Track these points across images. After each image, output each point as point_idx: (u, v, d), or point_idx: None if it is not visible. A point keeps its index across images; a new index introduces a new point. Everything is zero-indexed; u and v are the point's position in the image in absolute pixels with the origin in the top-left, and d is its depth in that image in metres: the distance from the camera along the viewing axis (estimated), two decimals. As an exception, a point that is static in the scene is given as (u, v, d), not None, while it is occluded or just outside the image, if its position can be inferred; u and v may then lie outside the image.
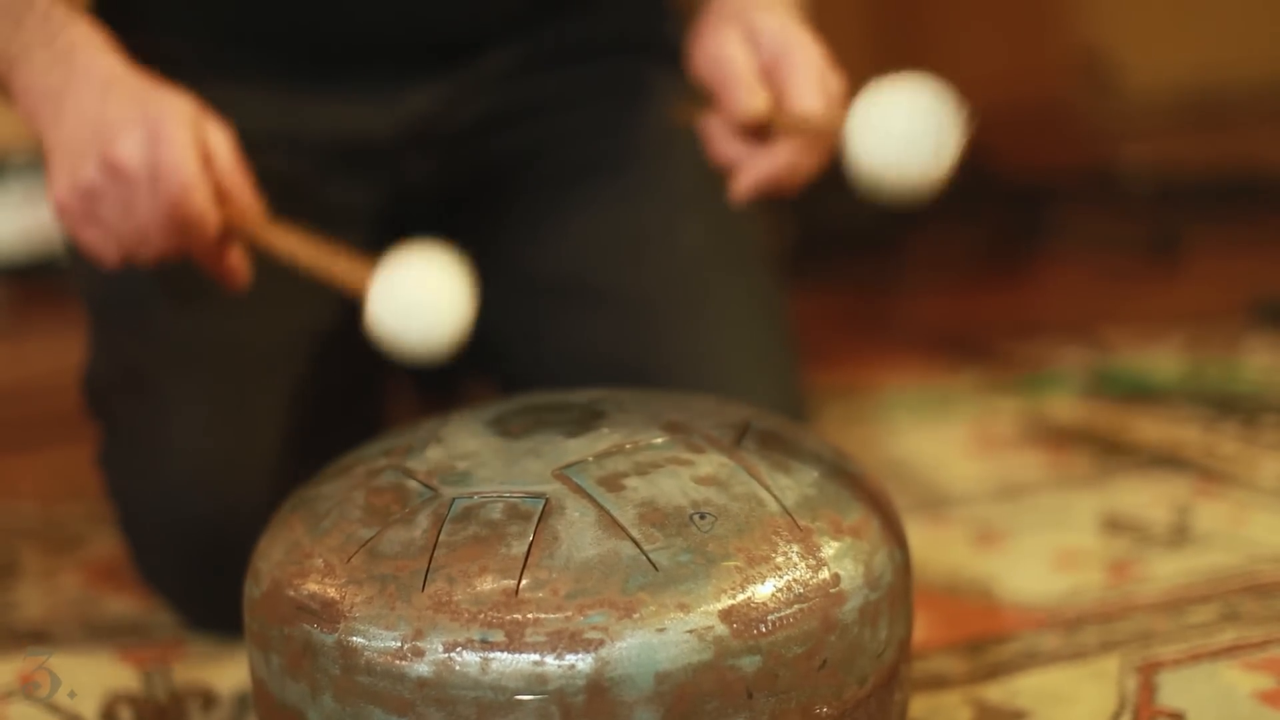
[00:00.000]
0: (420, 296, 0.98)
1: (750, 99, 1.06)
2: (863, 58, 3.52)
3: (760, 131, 1.07)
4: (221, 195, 1.05)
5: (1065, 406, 1.74)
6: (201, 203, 1.02)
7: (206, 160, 1.04)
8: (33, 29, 1.09)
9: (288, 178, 1.20)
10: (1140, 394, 1.76)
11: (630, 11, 1.38)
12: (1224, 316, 2.04)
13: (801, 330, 1.34)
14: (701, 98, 1.11)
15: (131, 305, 1.24)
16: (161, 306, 1.22)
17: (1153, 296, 2.25)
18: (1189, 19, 3.41)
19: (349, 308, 1.26)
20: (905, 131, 0.90)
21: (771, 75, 1.07)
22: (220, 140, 1.05)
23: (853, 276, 2.33)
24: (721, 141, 1.09)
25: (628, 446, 0.93)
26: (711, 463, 0.92)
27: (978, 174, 2.77)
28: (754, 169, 1.08)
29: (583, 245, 1.32)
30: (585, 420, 0.97)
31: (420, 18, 1.28)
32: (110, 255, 1.07)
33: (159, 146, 1.02)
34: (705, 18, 1.16)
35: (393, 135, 1.30)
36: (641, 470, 0.91)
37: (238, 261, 1.09)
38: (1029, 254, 2.49)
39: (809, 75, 1.05)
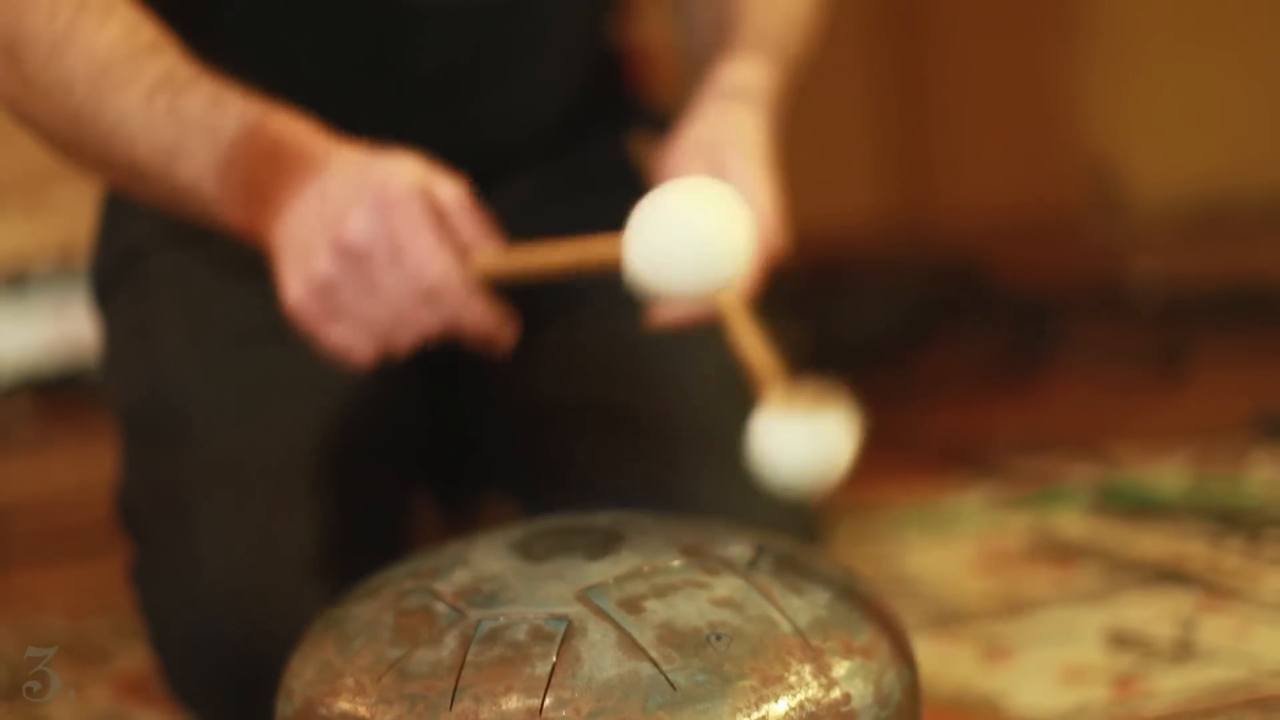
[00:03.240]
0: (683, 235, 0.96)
1: None
2: (871, 167, 3.55)
3: None
4: (462, 250, 1.02)
5: (1072, 521, 1.77)
6: (448, 265, 0.99)
7: (440, 218, 1.02)
8: (232, 131, 1.06)
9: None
10: (1146, 508, 1.78)
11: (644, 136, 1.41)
12: (1231, 430, 2.06)
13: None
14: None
15: (163, 421, 1.25)
16: (193, 422, 1.25)
17: (1160, 410, 2.27)
18: (1196, 129, 3.45)
19: (379, 423, 1.30)
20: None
21: None
22: (450, 193, 1.03)
23: (861, 391, 2.35)
24: None
25: (646, 569, 0.97)
26: (727, 585, 0.96)
27: (985, 287, 2.80)
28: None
29: (602, 369, 1.34)
30: (606, 543, 1.00)
31: (438, 149, 1.31)
32: (364, 349, 1.04)
33: (391, 216, 0.99)
34: (678, 136, 1.20)
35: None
36: (660, 592, 0.94)
37: (498, 318, 1.05)
38: (1037, 368, 2.51)
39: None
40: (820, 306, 1.13)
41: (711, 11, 1.33)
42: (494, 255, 1.04)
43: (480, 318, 1.04)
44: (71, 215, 2.48)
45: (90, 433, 1.60)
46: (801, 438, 0.98)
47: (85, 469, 1.59)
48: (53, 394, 2.58)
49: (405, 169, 1.03)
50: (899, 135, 3.43)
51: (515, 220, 1.35)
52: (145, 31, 1.13)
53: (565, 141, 1.38)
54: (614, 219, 1.36)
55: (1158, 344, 2.49)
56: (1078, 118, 3.49)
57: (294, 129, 1.07)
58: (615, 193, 1.36)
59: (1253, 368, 2.41)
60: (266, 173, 1.05)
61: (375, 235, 0.99)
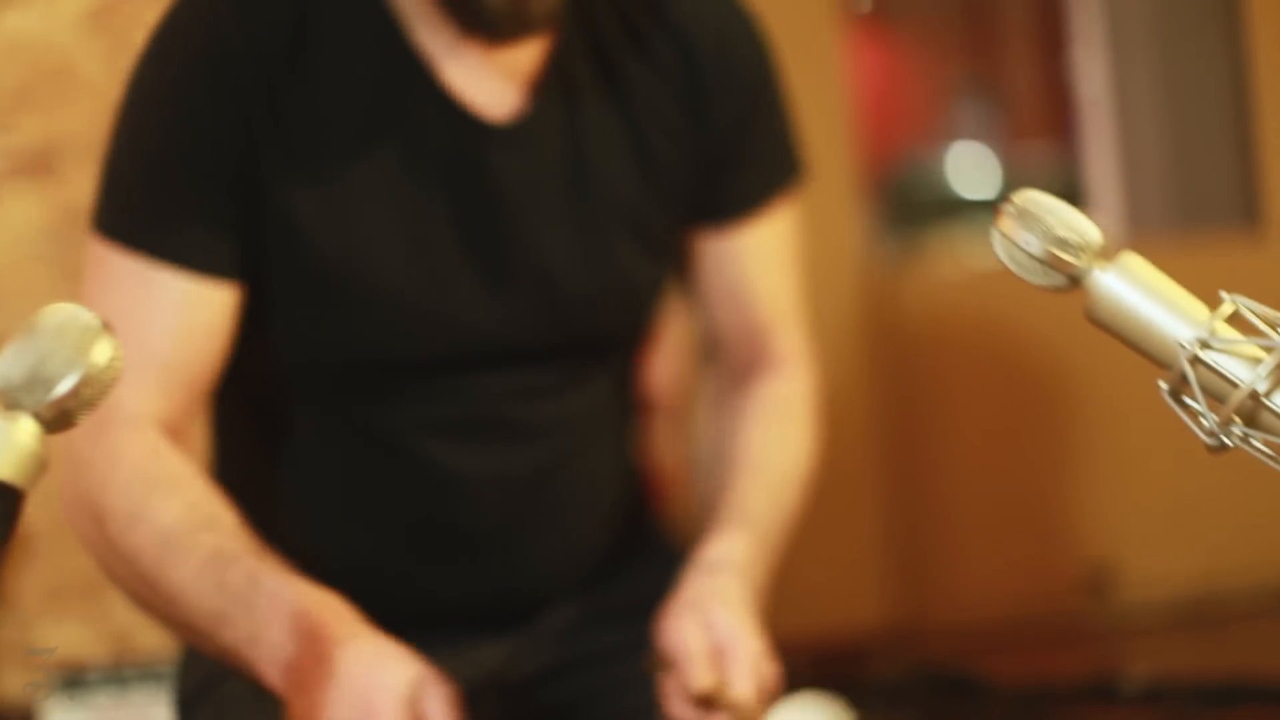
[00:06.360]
0: None
1: (699, 679, 1.31)
2: (875, 578, 3.56)
3: (707, 702, 1.32)
4: None
5: None
6: None
7: None
8: (264, 609, 1.25)
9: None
10: None
11: (668, 566, 1.52)
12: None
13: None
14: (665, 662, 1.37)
15: None
16: None
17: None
18: (1186, 531, 3.56)
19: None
20: None
21: (718, 660, 1.33)
22: (436, 708, 1.21)
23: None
24: (676, 703, 1.33)
25: None
26: None
27: (982, 693, 2.89)
28: None
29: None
30: None
31: (487, 588, 1.47)
32: None
33: None
34: (674, 601, 1.39)
35: (461, 687, 1.41)
36: None
37: None
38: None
39: (747, 665, 1.32)
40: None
41: (715, 481, 1.53)
42: None
43: None
44: (124, 618, 2.65)
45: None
46: None
47: None
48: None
49: (397, 680, 1.21)
50: (902, 547, 3.54)
51: (555, 645, 1.51)
52: (203, 508, 1.32)
53: (600, 573, 1.54)
54: (638, 647, 1.51)
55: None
56: (1073, 524, 3.60)
57: (318, 611, 1.25)
58: (641, 623, 1.52)
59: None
60: (291, 648, 1.23)
61: None
